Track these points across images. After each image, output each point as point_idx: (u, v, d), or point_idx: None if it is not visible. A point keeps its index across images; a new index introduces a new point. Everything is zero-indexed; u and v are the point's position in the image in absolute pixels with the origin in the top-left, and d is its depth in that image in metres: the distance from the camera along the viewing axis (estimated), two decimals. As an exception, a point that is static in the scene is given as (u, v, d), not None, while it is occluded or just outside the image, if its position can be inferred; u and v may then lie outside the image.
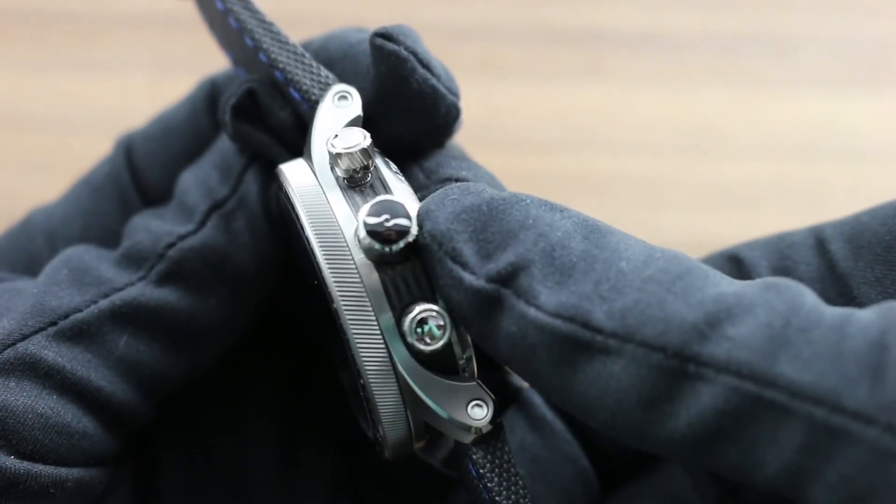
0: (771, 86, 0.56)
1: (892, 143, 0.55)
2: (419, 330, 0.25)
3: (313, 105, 0.28)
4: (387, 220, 0.25)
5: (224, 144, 0.31)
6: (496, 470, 0.26)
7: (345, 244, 0.25)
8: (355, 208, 0.26)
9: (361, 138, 0.26)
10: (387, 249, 0.25)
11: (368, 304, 0.25)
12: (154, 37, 0.56)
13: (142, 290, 0.28)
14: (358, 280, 0.25)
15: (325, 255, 0.25)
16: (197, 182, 0.30)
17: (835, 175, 0.53)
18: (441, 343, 0.25)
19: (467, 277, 0.24)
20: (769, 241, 0.30)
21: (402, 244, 0.25)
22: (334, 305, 0.25)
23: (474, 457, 0.26)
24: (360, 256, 0.25)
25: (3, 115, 0.52)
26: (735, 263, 0.29)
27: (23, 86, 0.54)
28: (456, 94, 0.29)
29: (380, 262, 0.25)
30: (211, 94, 0.33)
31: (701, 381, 0.21)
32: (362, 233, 0.25)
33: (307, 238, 0.25)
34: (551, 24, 0.58)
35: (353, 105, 0.28)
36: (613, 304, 0.22)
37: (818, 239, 0.29)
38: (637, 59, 0.57)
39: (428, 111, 0.28)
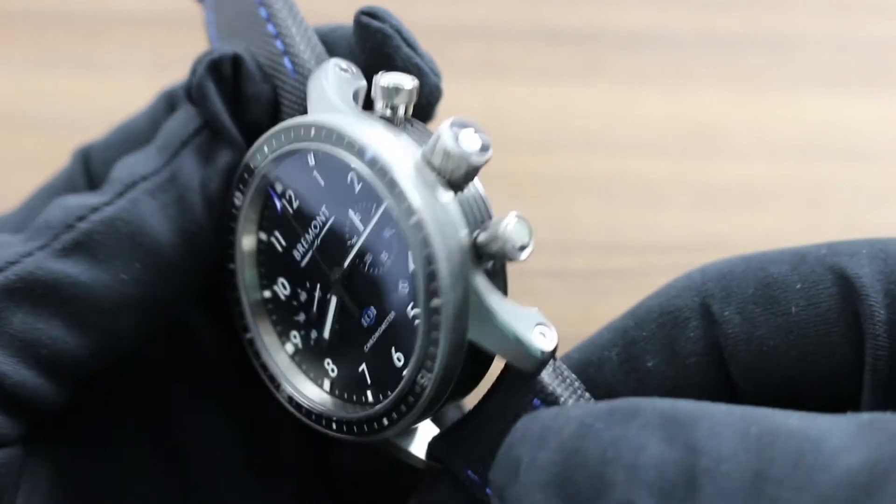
0: (771, 86, 0.56)
1: (892, 143, 0.55)
2: (496, 247, 0.25)
3: (305, 77, 0.29)
4: (475, 131, 0.25)
5: (168, 126, 0.30)
6: (569, 389, 0.26)
7: (412, 166, 0.25)
8: (405, 137, 0.26)
9: (411, 79, 0.27)
10: (474, 161, 0.25)
11: (447, 221, 0.25)
12: (154, 37, 0.56)
13: (40, 261, 0.27)
14: (433, 198, 0.25)
15: (399, 175, 0.25)
16: (131, 160, 0.29)
17: (835, 175, 0.53)
18: (527, 252, 0.25)
19: None
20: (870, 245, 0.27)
21: (488, 154, 0.25)
22: (412, 220, 0.25)
23: (545, 380, 0.25)
24: (432, 177, 0.25)
25: (3, 115, 0.52)
26: (836, 276, 0.26)
27: (23, 86, 0.54)
28: (438, 76, 0.29)
29: (451, 183, 0.25)
30: (171, 104, 0.33)
31: None
32: (450, 143, 0.24)
33: (379, 163, 0.25)
34: (551, 24, 0.58)
35: (357, 77, 0.29)
36: None
37: None
38: (637, 59, 0.57)
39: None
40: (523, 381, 0.26)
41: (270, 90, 0.30)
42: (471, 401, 0.28)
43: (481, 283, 0.25)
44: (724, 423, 0.22)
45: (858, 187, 0.53)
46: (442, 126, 0.25)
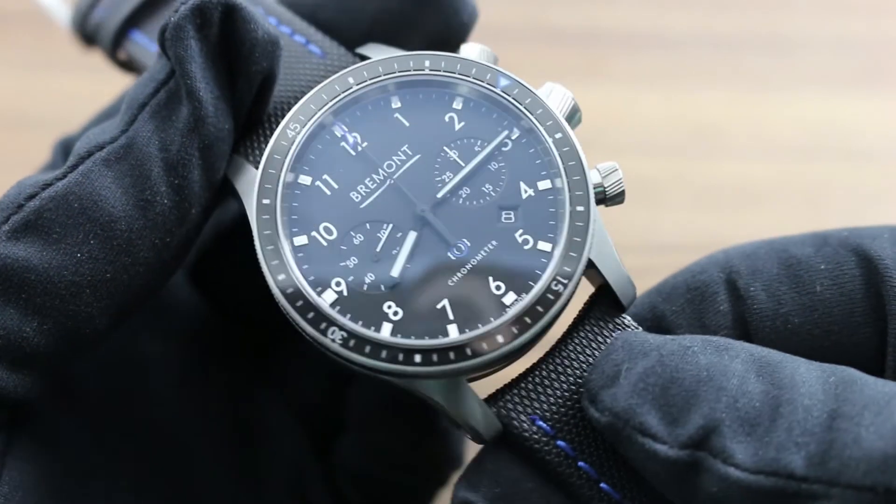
0: (771, 86, 0.56)
1: (892, 142, 0.55)
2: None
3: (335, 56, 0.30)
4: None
5: (131, 87, 0.28)
6: None
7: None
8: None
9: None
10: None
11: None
12: (154, 37, 0.56)
13: None
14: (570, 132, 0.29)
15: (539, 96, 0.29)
16: (95, 131, 0.28)
17: (835, 175, 0.53)
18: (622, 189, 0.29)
19: (661, 449, 0.24)
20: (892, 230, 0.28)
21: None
22: (557, 135, 0.29)
23: (628, 319, 0.28)
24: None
25: (3, 115, 0.52)
26: (860, 258, 0.28)
27: (23, 86, 0.54)
28: (473, 6, 0.31)
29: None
30: None
31: None
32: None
33: (517, 87, 0.29)
34: (551, 25, 0.58)
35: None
36: (810, 449, 0.22)
37: None
38: (637, 59, 0.57)
39: (450, 21, 0.30)
40: (611, 318, 0.28)
41: (266, 33, 0.28)
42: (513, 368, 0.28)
43: (598, 212, 0.28)
44: (807, 369, 0.24)
45: (858, 187, 0.53)
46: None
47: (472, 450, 0.41)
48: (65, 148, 0.33)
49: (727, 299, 0.28)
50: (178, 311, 0.32)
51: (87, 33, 0.36)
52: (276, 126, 0.29)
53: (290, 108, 0.29)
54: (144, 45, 0.34)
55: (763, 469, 0.23)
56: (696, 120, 0.55)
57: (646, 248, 0.28)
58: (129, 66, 0.36)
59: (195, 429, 0.32)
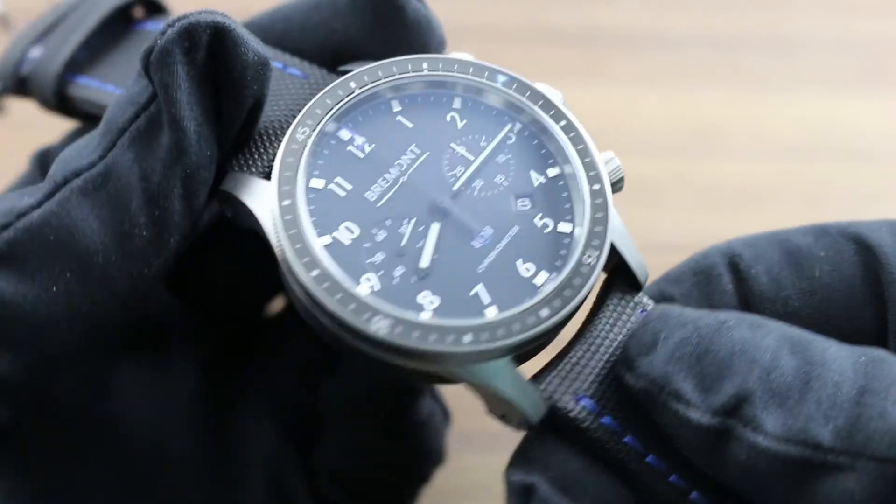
0: (771, 86, 0.56)
1: (893, 143, 0.55)
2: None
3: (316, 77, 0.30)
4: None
5: (110, 108, 0.27)
6: None
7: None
8: None
9: None
10: None
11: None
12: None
13: None
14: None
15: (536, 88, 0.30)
16: (71, 152, 0.27)
17: (835, 175, 0.53)
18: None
19: (693, 415, 0.25)
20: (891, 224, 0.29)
21: None
22: (562, 122, 0.30)
23: (646, 298, 0.29)
24: None
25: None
26: (859, 245, 0.28)
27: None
28: (441, 29, 0.30)
29: None
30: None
31: None
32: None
33: (516, 81, 0.31)
34: (551, 25, 0.58)
35: None
36: (838, 422, 0.23)
37: None
38: (637, 59, 0.57)
39: (422, 41, 0.29)
40: (631, 296, 0.28)
41: (255, 55, 0.27)
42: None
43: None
44: (838, 349, 0.25)
45: (858, 187, 0.53)
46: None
47: (455, 446, 0.41)
48: (42, 161, 0.32)
49: (731, 280, 0.28)
50: (149, 313, 0.32)
51: (18, 83, 0.34)
52: (268, 141, 0.29)
53: (279, 128, 0.29)
54: (95, 86, 0.33)
55: (791, 438, 0.23)
56: (696, 120, 0.55)
57: (646, 248, 0.28)
58: (71, 111, 0.34)
59: (169, 432, 0.31)
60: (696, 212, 0.51)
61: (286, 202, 0.27)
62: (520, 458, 0.27)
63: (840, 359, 0.25)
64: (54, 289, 0.25)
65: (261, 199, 0.28)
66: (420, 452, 0.36)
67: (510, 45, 0.57)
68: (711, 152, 0.53)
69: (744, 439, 0.24)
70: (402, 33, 0.29)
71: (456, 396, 0.36)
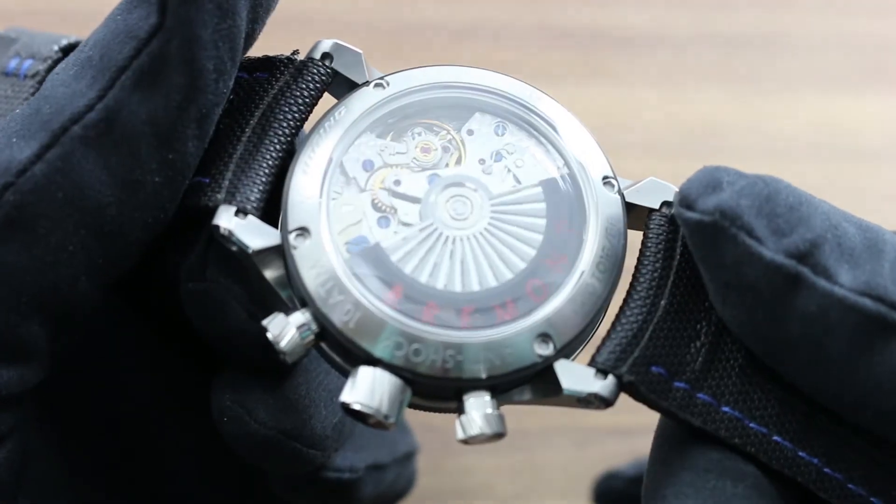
0: (771, 86, 0.56)
1: (892, 143, 0.55)
2: None
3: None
4: None
5: (102, 45, 0.24)
6: None
7: None
8: None
9: None
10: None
11: None
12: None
13: None
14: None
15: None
16: (58, 89, 0.24)
17: (835, 175, 0.53)
18: None
19: (767, 252, 0.23)
20: None
21: None
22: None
23: None
24: None
25: (3, 115, 0.52)
26: None
27: (23, 86, 0.54)
28: None
29: None
30: None
31: None
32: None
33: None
34: (551, 24, 0.58)
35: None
36: None
37: None
38: (637, 59, 0.57)
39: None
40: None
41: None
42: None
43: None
44: (891, 234, 0.24)
45: (859, 187, 0.53)
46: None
47: (455, 447, 0.41)
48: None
49: None
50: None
51: None
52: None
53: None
54: None
55: (869, 293, 0.22)
56: (696, 120, 0.55)
57: (646, 248, 0.28)
58: None
59: (165, 415, 0.31)
60: (696, 212, 0.51)
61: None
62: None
63: (893, 241, 0.24)
64: (70, 248, 0.24)
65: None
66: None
67: (510, 45, 0.57)
68: (711, 152, 0.53)
69: (818, 288, 0.23)
70: None
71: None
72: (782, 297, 0.23)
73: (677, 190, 0.25)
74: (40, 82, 0.27)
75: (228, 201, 0.25)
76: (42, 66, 0.28)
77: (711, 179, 0.24)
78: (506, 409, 0.26)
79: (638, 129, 0.54)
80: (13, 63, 0.28)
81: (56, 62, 0.28)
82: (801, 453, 0.25)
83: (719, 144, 0.54)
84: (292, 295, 0.25)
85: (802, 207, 0.24)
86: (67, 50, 0.28)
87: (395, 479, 0.35)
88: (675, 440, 0.25)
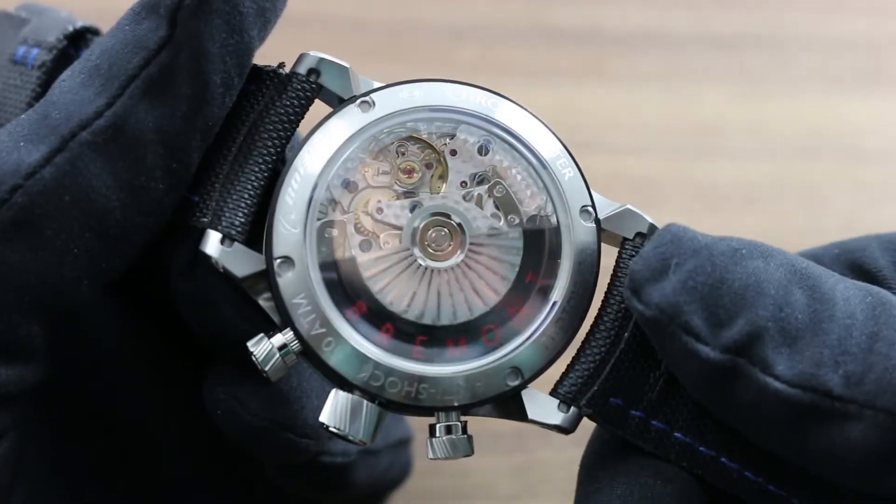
0: (771, 86, 0.56)
1: (892, 143, 0.55)
2: None
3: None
4: None
5: (110, 53, 0.25)
6: None
7: None
8: None
9: None
10: None
11: None
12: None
13: None
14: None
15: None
16: (66, 95, 0.25)
17: (835, 175, 0.53)
18: None
19: (703, 350, 0.24)
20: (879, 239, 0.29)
21: None
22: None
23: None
24: None
25: (3, 115, 0.52)
26: (856, 273, 0.28)
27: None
28: None
29: None
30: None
31: None
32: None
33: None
34: (551, 24, 0.58)
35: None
36: (848, 369, 0.23)
37: None
38: (637, 59, 0.57)
39: None
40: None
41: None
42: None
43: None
44: (845, 287, 0.24)
45: (858, 187, 0.53)
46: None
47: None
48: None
49: None
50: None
51: None
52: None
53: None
54: None
55: (802, 384, 0.23)
56: (695, 120, 0.55)
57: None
58: None
59: (162, 414, 0.31)
60: (695, 212, 0.51)
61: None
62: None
63: (848, 298, 0.24)
64: (75, 251, 0.24)
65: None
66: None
67: (510, 45, 0.57)
68: (711, 152, 0.53)
69: (753, 380, 0.23)
70: None
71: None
72: (721, 388, 0.24)
73: (647, 231, 0.27)
74: (46, 73, 0.28)
75: (215, 226, 0.26)
76: (48, 57, 0.29)
77: (659, 262, 0.25)
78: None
79: (638, 129, 0.54)
80: (21, 50, 0.29)
81: (62, 52, 0.29)
82: (746, 473, 0.26)
83: (719, 144, 0.54)
84: (276, 309, 0.26)
85: (748, 292, 0.24)
86: (73, 38, 0.29)
87: (389, 465, 0.35)
88: (614, 443, 0.27)
